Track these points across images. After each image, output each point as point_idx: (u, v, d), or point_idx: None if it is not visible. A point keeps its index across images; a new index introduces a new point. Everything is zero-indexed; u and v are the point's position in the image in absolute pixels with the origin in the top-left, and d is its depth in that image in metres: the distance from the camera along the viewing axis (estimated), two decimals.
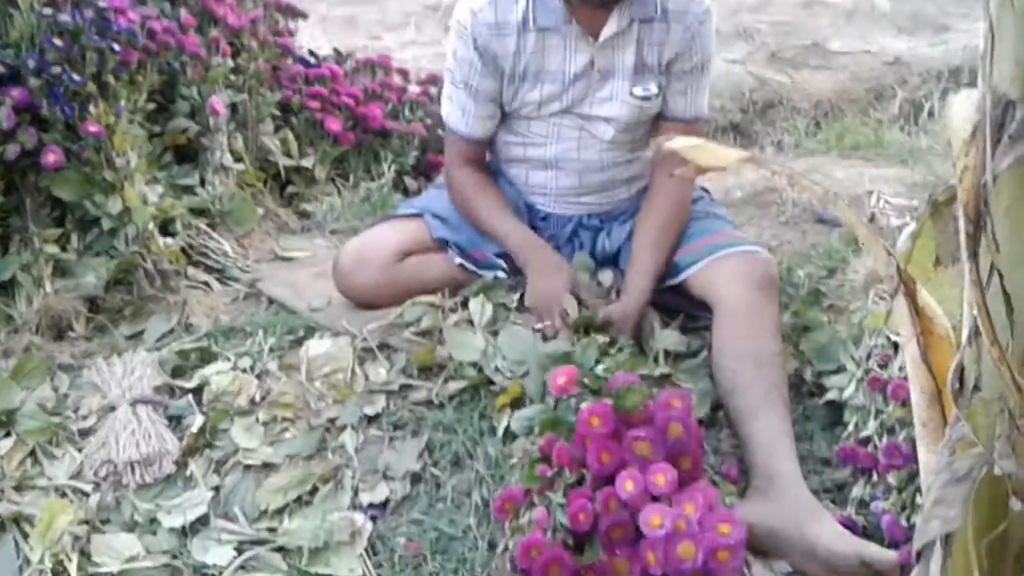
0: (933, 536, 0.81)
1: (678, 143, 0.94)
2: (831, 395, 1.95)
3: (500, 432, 1.85)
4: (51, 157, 2.20)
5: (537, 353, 1.90)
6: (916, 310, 0.89)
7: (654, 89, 2.09)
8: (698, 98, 2.14)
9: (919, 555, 0.82)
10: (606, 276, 2.16)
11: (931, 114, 3.76)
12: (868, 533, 1.64)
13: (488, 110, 2.15)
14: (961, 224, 0.71)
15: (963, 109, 0.70)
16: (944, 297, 1.03)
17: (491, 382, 1.95)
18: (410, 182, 3.14)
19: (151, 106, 2.57)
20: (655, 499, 1.51)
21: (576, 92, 2.09)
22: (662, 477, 1.51)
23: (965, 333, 0.77)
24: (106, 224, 2.26)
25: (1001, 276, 0.71)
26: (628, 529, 1.51)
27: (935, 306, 0.91)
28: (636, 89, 2.08)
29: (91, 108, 2.25)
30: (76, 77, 2.22)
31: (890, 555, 1.51)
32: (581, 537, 1.54)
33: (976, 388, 0.79)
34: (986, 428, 0.80)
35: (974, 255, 0.71)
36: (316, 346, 2.13)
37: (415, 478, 1.84)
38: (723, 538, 1.44)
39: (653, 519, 1.46)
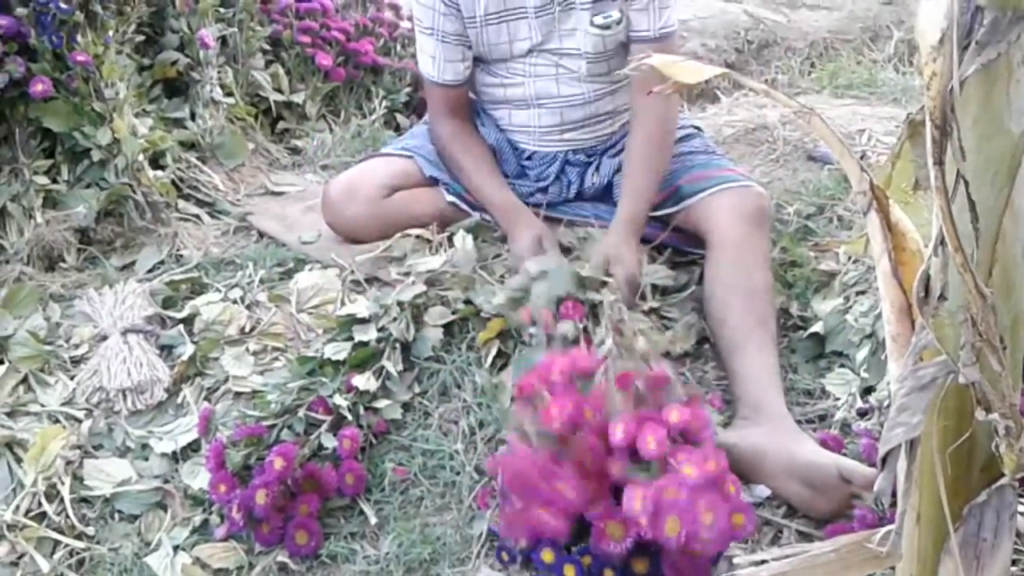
0: (897, 443, 0.82)
1: (656, 60, 0.95)
2: (816, 327, 1.96)
3: (487, 363, 1.87)
4: (39, 87, 2.19)
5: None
6: (888, 226, 0.90)
7: (615, 15, 2.05)
8: (662, 13, 2.07)
9: (884, 461, 0.84)
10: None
11: None
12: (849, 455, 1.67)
13: (457, 53, 2.13)
14: (928, 131, 0.71)
15: (932, 15, 0.70)
16: (923, 221, 1.03)
17: (479, 313, 1.96)
18: (402, 119, 3.14)
19: (140, 38, 2.56)
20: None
21: (542, 27, 2.08)
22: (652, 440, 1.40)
23: (932, 242, 0.78)
24: (96, 155, 2.26)
25: (967, 183, 0.72)
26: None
27: (907, 222, 0.92)
28: (596, 18, 2.05)
29: (79, 38, 2.23)
30: (64, 5, 2.20)
31: (867, 470, 1.53)
32: None
33: (942, 297, 0.80)
34: (951, 338, 0.81)
35: (940, 162, 0.72)
36: (305, 278, 2.15)
37: (405, 407, 1.86)
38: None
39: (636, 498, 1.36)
